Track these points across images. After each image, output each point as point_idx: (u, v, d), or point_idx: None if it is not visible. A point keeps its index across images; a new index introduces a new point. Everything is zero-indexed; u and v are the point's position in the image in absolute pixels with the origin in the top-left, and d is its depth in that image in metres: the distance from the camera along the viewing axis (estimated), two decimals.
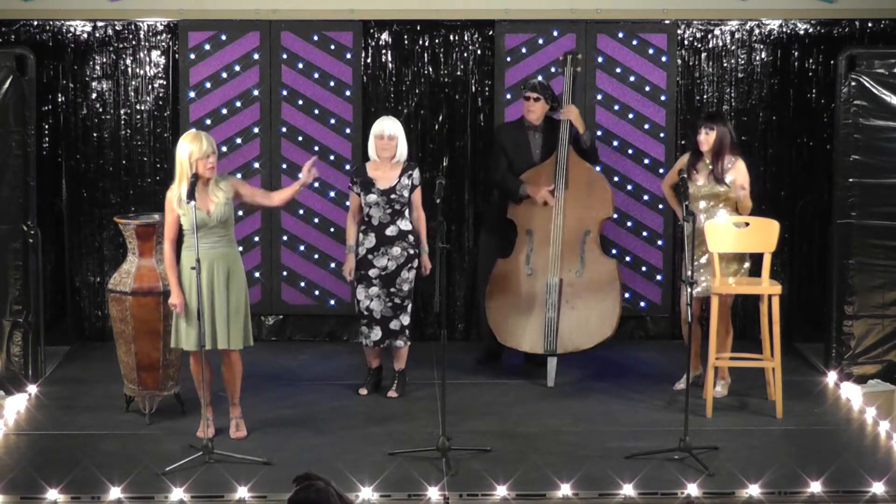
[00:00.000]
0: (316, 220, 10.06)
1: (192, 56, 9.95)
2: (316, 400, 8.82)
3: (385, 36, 10.10)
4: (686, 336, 8.85)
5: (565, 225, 9.10)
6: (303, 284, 10.13)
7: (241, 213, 9.57)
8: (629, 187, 10.09)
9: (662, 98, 10.04)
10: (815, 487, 7.22)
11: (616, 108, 10.05)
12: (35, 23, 9.96)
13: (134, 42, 10.04)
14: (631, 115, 10.06)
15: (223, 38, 9.96)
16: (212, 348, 7.85)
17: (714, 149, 8.63)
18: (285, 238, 10.09)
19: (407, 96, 10.15)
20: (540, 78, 9.49)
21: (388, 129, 8.66)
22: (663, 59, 10.02)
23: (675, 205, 8.97)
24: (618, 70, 10.02)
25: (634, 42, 10.01)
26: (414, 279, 8.79)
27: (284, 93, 10.00)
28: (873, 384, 9.09)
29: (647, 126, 10.06)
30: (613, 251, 10.07)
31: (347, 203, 9.18)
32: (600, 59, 10.01)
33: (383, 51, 10.12)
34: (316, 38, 9.99)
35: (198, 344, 7.67)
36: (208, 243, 7.80)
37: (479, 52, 10.15)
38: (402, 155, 8.70)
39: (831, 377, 9.15)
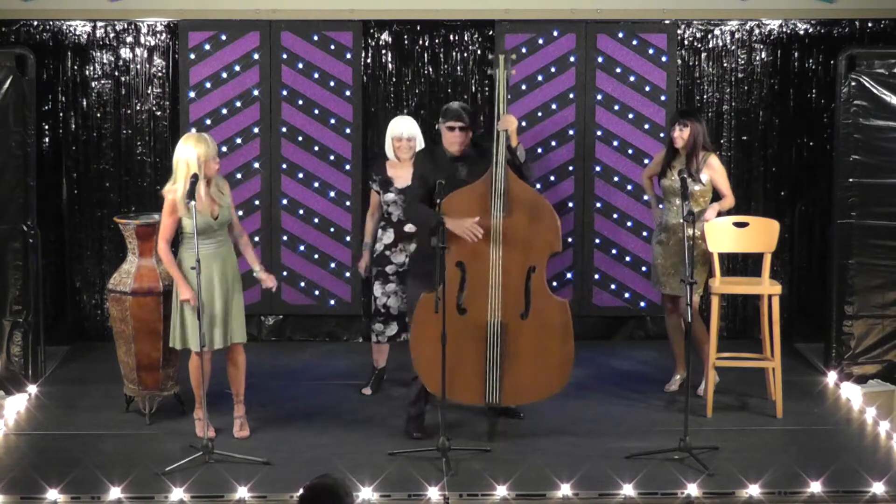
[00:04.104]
0: (316, 220, 10.05)
1: (192, 56, 9.95)
2: (316, 400, 8.82)
3: (385, 36, 10.10)
4: (671, 335, 8.86)
5: (505, 258, 7.72)
6: (303, 284, 10.12)
7: (240, 212, 9.58)
8: (629, 187, 10.09)
9: (662, 98, 10.04)
10: (815, 487, 7.22)
11: (616, 108, 10.05)
12: (35, 23, 9.95)
13: (134, 42, 10.04)
14: (631, 115, 10.05)
15: (223, 38, 9.96)
16: (218, 348, 7.87)
17: (688, 146, 8.64)
18: (285, 238, 10.08)
19: (407, 96, 10.14)
20: (458, 103, 8.13)
21: (407, 132, 8.66)
22: (663, 59, 10.02)
23: (650, 192, 9.05)
24: (618, 70, 10.02)
25: (634, 42, 10.01)
26: None
27: (284, 93, 10.00)
28: (873, 384, 9.09)
29: (647, 126, 10.05)
30: (614, 250, 10.08)
31: (348, 203, 9.20)
32: (600, 59, 10.01)
33: (383, 51, 10.11)
34: (316, 38, 9.99)
35: (200, 344, 7.67)
36: (215, 242, 7.84)
37: (479, 52, 10.14)
38: None
39: (831, 377, 9.15)
